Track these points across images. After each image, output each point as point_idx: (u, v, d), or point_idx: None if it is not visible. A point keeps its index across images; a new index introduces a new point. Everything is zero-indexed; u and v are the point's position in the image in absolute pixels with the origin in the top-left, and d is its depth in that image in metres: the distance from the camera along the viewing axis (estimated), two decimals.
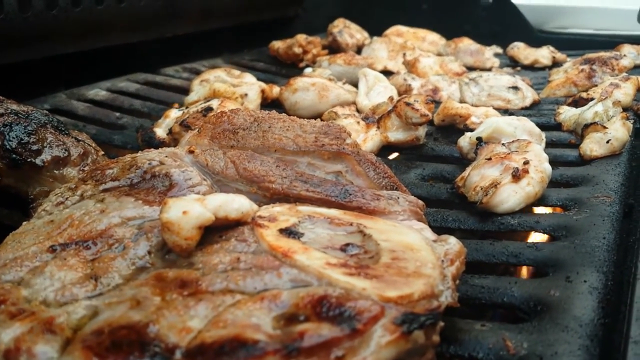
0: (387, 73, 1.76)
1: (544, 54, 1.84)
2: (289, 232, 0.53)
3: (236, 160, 0.63)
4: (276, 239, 0.52)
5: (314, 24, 2.42)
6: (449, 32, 2.15)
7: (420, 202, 0.64)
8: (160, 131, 1.09)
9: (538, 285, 0.59)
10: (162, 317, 0.43)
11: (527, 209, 0.79)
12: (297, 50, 1.87)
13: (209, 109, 1.05)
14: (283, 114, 0.70)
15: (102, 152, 0.79)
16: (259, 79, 1.77)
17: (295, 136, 0.65)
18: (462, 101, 1.36)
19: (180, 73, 1.70)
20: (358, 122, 1.11)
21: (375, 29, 2.27)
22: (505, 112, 1.26)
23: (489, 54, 1.89)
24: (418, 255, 0.52)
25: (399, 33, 2.18)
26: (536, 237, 0.83)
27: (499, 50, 1.98)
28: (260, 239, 0.52)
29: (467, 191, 0.83)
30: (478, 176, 0.83)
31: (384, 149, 1.10)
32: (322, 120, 1.21)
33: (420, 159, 1.08)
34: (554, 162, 0.98)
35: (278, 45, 1.94)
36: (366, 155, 0.65)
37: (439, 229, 0.81)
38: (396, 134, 1.08)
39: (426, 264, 0.50)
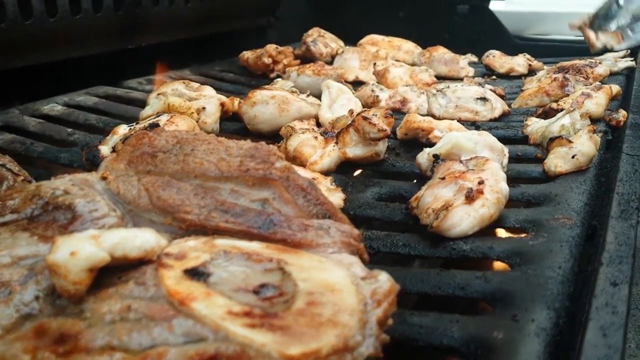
0: (359, 83, 1.71)
1: (519, 62, 1.79)
2: (195, 273, 0.47)
3: (150, 188, 0.57)
4: (177, 282, 0.46)
5: (289, 33, 2.37)
6: (426, 41, 2.11)
7: (356, 232, 0.58)
8: (105, 149, 1.03)
9: (482, 324, 0.54)
10: None
11: (481, 233, 0.73)
12: (267, 60, 1.82)
13: (155, 125, 0.99)
14: (211, 135, 0.64)
15: (23, 177, 0.73)
16: (227, 90, 1.72)
17: (218, 160, 0.59)
18: (429, 113, 1.31)
19: (144, 85, 1.64)
20: (316, 137, 1.05)
21: (352, 38, 2.22)
22: (473, 124, 1.21)
23: (464, 62, 1.84)
24: (338, 298, 0.46)
25: (374, 42, 2.13)
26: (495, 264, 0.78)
27: (474, 58, 1.93)
28: (160, 282, 0.46)
29: (419, 213, 0.78)
30: (431, 197, 0.77)
31: (346, 165, 1.04)
32: (280, 134, 1.17)
33: (379, 175, 1.03)
34: (517, 178, 0.93)
35: (248, 55, 1.89)
36: (297, 180, 0.59)
37: (388, 255, 0.75)
38: (355, 150, 1.03)
39: (344, 310, 0.44)
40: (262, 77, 1.87)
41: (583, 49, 2.07)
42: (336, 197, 0.83)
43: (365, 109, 1.08)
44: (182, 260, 0.49)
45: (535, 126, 1.08)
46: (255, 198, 0.58)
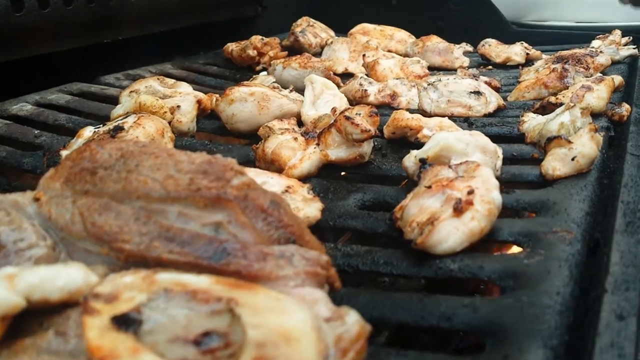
0: (348, 76, 1.63)
1: (516, 51, 1.71)
2: (123, 322, 0.40)
3: (85, 212, 0.50)
4: (102, 333, 0.38)
5: (278, 23, 2.28)
6: (420, 29, 2.02)
7: (324, 259, 0.50)
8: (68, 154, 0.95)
9: None
10: None
11: (471, 249, 0.66)
12: (252, 53, 1.73)
13: (119, 128, 0.91)
14: (163, 146, 0.57)
15: None
16: (209, 85, 1.64)
17: (165, 177, 0.52)
18: (420, 108, 1.23)
19: (121, 81, 1.56)
20: (296, 139, 0.97)
21: (343, 28, 2.14)
22: (466, 120, 1.13)
23: (459, 52, 1.75)
24: (294, 351, 0.38)
25: (365, 31, 2.05)
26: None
27: (470, 48, 1.84)
28: (83, 332, 0.39)
29: (403, 225, 0.70)
30: (416, 208, 0.70)
31: (328, 168, 0.97)
32: (258, 135, 1.09)
33: (364, 179, 0.95)
34: (511, 182, 0.85)
35: (232, 47, 1.80)
36: (256, 199, 0.52)
37: (368, 275, 0.68)
38: (337, 152, 0.95)
39: None
40: (248, 70, 1.79)
41: (583, 36, 1.99)
42: (313, 208, 0.75)
43: (349, 107, 1.00)
44: (113, 302, 0.42)
45: (532, 123, 1.01)
46: (207, 222, 0.50)
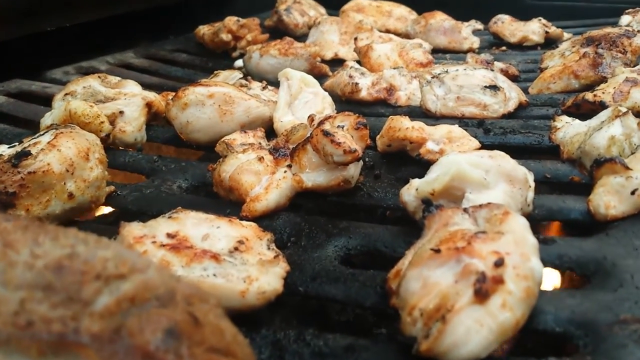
0: (339, 62, 1.40)
1: (534, 29, 1.47)
2: None
3: None
4: None
5: (261, 0, 2.04)
6: (423, 4, 1.78)
7: None
8: None
9: None
10: None
11: (500, 351, 0.44)
12: (225, 37, 1.49)
13: (25, 154, 0.69)
14: (6, 227, 0.34)
15: None
16: (175, 77, 1.40)
17: None
18: (423, 106, 1.00)
19: (70, 76, 1.32)
20: (262, 158, 0.75)
21: (337, 3, 1.89)
22: (480, 125, 0.89)
23: (467, 31, 1.51)
24: None
25: (360, 8, 1.80)
26: None
27: (480, 26, 1.60)
28: None
29: (401, 307, 0.48)
30: (419, 281, 0.48)
31: (304, 196, 0.74)
32: (216, 151, 0.87)
33: (350, 213, 0.73)
34: (548, 219, 0.63)
35: (204, 31, 1.56)
36: (137, 334, 0.29)
37: None
38: (315, 176, 0.73)
39: None
40: (223, 56, 1.55)
41: (608, 9, 1.74)
42: (272, 276, 0.53)
43: (330, 114, 0.77)
44: None
45: (568, 131, 0.78)
46: None
